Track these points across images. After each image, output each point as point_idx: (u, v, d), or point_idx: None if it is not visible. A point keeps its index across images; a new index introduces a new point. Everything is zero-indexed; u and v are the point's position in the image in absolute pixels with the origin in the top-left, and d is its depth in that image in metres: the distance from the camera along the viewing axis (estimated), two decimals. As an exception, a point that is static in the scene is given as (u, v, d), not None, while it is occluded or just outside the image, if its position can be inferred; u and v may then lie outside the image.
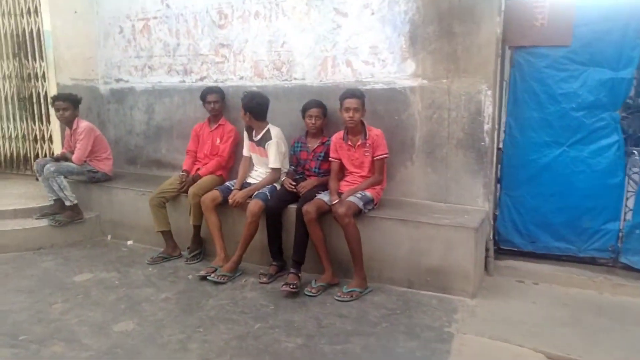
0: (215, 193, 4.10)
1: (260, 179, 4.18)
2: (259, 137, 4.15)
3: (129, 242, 4.78)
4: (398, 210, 3.86)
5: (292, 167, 4.33)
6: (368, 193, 3.80)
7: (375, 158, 3.83)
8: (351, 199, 3.67)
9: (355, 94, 3.74)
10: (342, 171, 4.02)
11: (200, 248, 4.34)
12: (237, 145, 4.64)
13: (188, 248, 4.35)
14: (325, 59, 4.31)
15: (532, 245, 4.07)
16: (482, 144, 3.84)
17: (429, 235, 3.57)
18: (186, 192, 4.33)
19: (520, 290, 3.69)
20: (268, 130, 4.14)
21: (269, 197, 3.99)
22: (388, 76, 4.09)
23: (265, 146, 4.09)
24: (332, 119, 4.25)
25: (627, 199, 3.76)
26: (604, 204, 3.79)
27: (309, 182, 4.07)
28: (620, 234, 3.78)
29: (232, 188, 4.17)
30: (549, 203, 3.93)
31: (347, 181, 3.95)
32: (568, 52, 3.69)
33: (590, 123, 3.73)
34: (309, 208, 3.67)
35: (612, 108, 3.68)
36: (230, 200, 4.03)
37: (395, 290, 3.67)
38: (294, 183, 4.05)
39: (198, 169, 4.55)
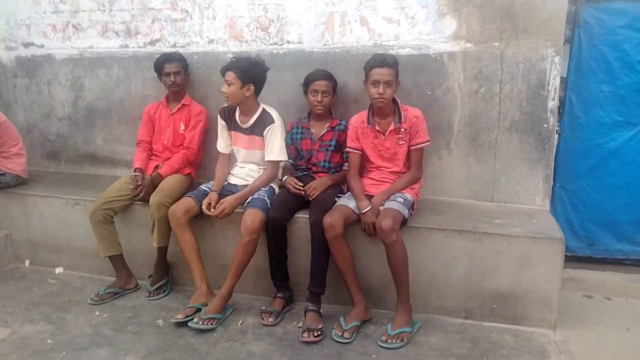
0: (189, 202, 2.91)
1: (251, 179, 3.04)
2: (250, 122, 3.00)
3: (58, 270, 3.44)
4: (440, 215, 2.93)
5: (291, 161, 3.23)
6: (408, 195, 2.82)
7: (412, 147, 2.85)
8: (391, 205, 2.67)
9: (386, 61, 2.71)
10: (362, 166, 3.00)
11: (166, 276, 3.13)
12: (207, 132, 3.45)
13: (150, 277, 3.12)
14: (331, 16, 3.22)
15: (590, 248, 3.36)
16: (545, 125, 2.99)
17: (497, 250, 2.67)
18: (143, 200, 3.09)
19: (599, 310, 2.93)
20: (264, 112, 3.01)
21: (269, 205, 2.88)
22: (419, 38, 3.10)
23: (265, 133, 2.96)
24: (340, 98, 3.20)
25: None
26: (680, 197, 3.13)
27: (321, 182, 3.01)
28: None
29: (209, 192, 2.99)
30: (614, 198, 3.23)
31: (373, 179, 2.94)
32: (652, 7, 2.92)
33: (672, 99, 3.01)
34: (333, 220, 2.62)
35: (697, 80, 2.98)
36: (214, 212, 2.86)
37: (451, 324, 2.75)
38: (301, 184, 2.97)
39: (157, 167, 3.30)
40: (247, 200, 2.90)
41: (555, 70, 2.92)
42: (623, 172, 3.15)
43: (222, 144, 3.15)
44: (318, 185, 2.98)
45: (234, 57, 2.91)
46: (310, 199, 2.93)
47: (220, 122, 3.11)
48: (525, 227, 2.74)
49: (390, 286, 2.81)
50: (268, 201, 2.88)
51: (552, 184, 3.08)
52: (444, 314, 2.81)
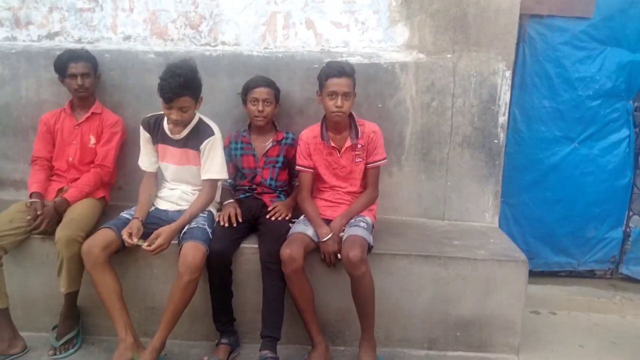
0: (108, 235, 2.35)
1: (184, 204, 2.57)
2: (183, 133, 2.52)
3: None
4: (398, 237, 2.73)
5: (230, 181, 2.81)
6: (367, 218, 2.57)
7: (369, 165, 2.61)
8: (355, 231, 2.40)
9: (344, 70, 2.45)
10: (313, 186, 2.70)
11: (77, 326, 2.53)
12: (123, 146, 2.90)
13: (54, 329, 2.51)
14: (273, 16, 2.86)
15: (530, 262, 3.36)
16: (495, 141, 2.93)
17: (462, 275, 2.53)
18: (44, 233, 2.47)
19: (549, 327, 2.94)
20: (201, 122, 2.55)
21: (210, 235, 2.44)
22: (369, 46, 2.87)
23: (202, 147, 2.50)
24: (283, 108, 2.86)
25: (632, 201, 3.29)
26: (610, 209, 3.30)
27: (284, 205, 2.66)
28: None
29: (131, 219, 2.47)
30: (553, 211, 3.28)
31: (328, 200, 2.65)
32: (588, 26, 2.99)
33: (604, 114, 3.14)
34: (293, 252, 2.28)
35: (626, 97, 3.13)
36: (148, 246, 2.33)
37: (415, 357, 2.56)
38: (240, 219, 2.58)
39: (60, 190, 2.68)
40: (184, 230, 2.44)
41: (506, 85, 2.87)
42: (561, 186, 3.21)
43: (147, 161, 2.63)
44: (282, 208, 2.62)
45: (175, 70, 2.32)
46: (274, 218, 2.57)
47: (144, 135, 2.59)
48: (487, 248, 2.63)
49: (349, 320, 2.55)
50: (209, 230, 2.45)
51: (500, 200, 3.04)
52: (407, 346, 2.60)
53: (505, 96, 2.87)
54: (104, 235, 2.35)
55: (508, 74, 2.85)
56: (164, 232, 2.35)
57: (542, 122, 3.13)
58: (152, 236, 2.34)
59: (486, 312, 2.56)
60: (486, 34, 2.81)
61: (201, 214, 2.52)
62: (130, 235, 2.34)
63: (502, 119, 2.90)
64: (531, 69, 3.05)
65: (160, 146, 2.58)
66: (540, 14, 2.97)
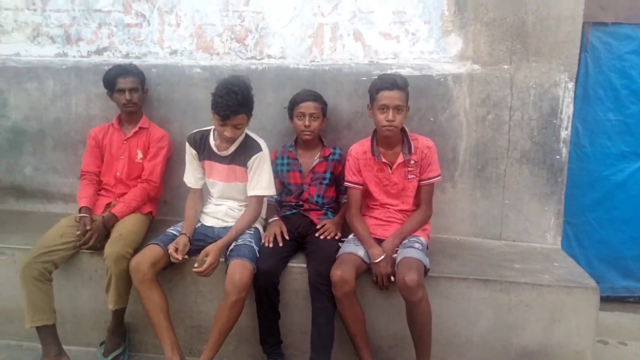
0: (156, 251, 2.31)
1: (231, 220, 2.51)
2: (231, 149, 2.47)
3: (-27, 339, 2.68)
4: (454, 259, 2.57)
5: (276, 197, 2.74)
6: (422, 238, 2.43)
7: (423, 182, 2.48)
8: (410, 252, 2.26)
9: (396, 83, 2.33)
10: (362, 203, 2.59)
11: (124, 343, 2.49)
12: (169, 161, 2.87)
13: (102, 345, 2.48)
14: (320, 28, 2.79)
15: (594, 286, 3.15)
16: (557, 157, 2.75)
17: (525, 302, 2.35)
18: (93, 248, 2.45)
19: (618, 359, 2.69)
20: (248, 138, 2.49)
21: (257, 252, 2.36)
22: (420, 57, 2.76)
23: (250, 163, 2.44)
24: (330, 122, 2.77)
25: None
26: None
27: (334, 223, 2.56)
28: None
29: (179, 235, 2.43)
30: (620, 232, 3.05)
31: (378, 219, 2.53)
32: (659, 33, 2.78)
33: (679, 129, 2.89)
34: (345, 273, 2.17)
35: (702, 109, 2.88)
36: (198, 267, 2.27)
37: (473, 387, 2.38)
38: (287, 237, 2.49)
39: (108, 205, 2.67)
40: (230, 247, 2.37)
41: (568, 97, 2.68)
42: (630, 205, 2.99)
43: (192, 177, 2.58)
44: (331, 226, 2.52)
45: (231, 87, 2.26)
46: (323, 237, 2.47)
47: (190, 152, 2.54)
48: (552, 272, 2.44)
49: (402, 345, 2.41)
50: (256, 248, 2.37)
51: (563, 219, 2.84)
52: (464, 375, 2.44)
53: (567, 109, 2.69)
54: (152, 251, 2.31)
55: (571, 85, 2.67)
56: (212, 250, 2.29)
57: (607, 137, 2.93)
58: (201, 255, 2.28)
59: (552, 342, 2.36)
60: (547, 43, 2.65)
61: (247, 231, 2.45)
62: (176, 250, 2.30)
63: (565, 133, 2.72)
64: (594, 79, 2.87)
65: (207, 162, 2.53)
66: (604, 21, 2.78)
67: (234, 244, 2.37)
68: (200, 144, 2.52)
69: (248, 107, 2.34)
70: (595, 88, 2.88)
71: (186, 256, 2.31)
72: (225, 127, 2.30)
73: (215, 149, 2.49)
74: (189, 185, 2.59)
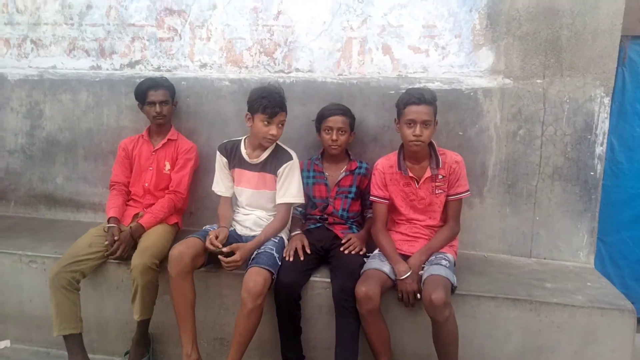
0: (198, 244, 2.32)
1: (260, 230, 2.50)
2: (262, 157, 2.49)
3: (4, 344, 2.73)
4: (481, 276, 2.51)
5: (300, 210, 2.73)
6: (449, 255, 2.38)
7: (451, 198, 2.43)
8: (436, 270, 2.22)
9: (424, 97, 2.30)
10: (388, 218, 2.55)
11: (147, 354, 2.51)
12: (196, 173, 2.90)
13: (126, 354, 2.50)
14: (348, 42, 2.79)
15: (630, 308, 3.02)
16: (592, 173, 2.66)
17: (557, 323, 2.26)
18: (120, 258, 2.49)
19: (657, 385, 2.57)
20: (279, 147, 2.52)
21: (278, 261, 2.35)
22: (450, 71, 2.72)
23: (280, 171, 2.46)
24: (357, 136, 2.75)
25: None
26: None
27: (359, 238, 2.54)
28: None
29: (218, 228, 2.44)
30: (657, 252, 2.91)
31: (405, 234, 2.48)
32: (700, 47, 2.68)
33: None
34: (370, 290, 2.13)
35: None
36: (225, 256, 2.28)
37: (502, 411, 2.30)
38: (308, 251, 2.47)
39: (136, 215, 2.71)
40: (252, 255, 2.36)
41: (604, 112, 2.60)
42: (668, 225, 2.86)
43: (223, 185, 2.59)
44: (356, 241, 2.50)
45: (271, 89, 2.39)
46: (347, 252, 2.45)
47: (222, 160, 2.56)
48: (585, 293, 2.35)
49: (427, 364, 2.35)
50: (277, 256, 2.35)
51: (596, 237, 2.74)
52: (492, 398, 2.36)
53: (603, 124, 2.61)
54: (195, 243, 2.32)
55: (607, 100, 2.59)
56: (241, 248, 2.31)
57: (645, 153, 2.82)
58: (232, 246, 2.29)
59: (585, 367, 2.27)
60: (582, 57, 2.58)
61: (272, 239, 2.44)
62: (216, 238, 2.31)
63: (600, 150, 2.63)
64: (632, 94, 2.78)
65: (237, 170, 2.55)
66: (643, 34, 2.70)
67: (255, 252, 2.37)
68: (231, 152, 2.55)
69: (286, 107, 2.43)
70: (632, 103, 2.79)
71: (224, 248, 2.29)
72: (272, 125, 2.37)
73: (246, 157, 2.51)
74: (219, 193, 2.60)
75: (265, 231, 2.44)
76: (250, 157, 2.50)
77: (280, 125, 2.40)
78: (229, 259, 2.27)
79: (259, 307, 2.21)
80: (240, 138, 2.55)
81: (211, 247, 2.29)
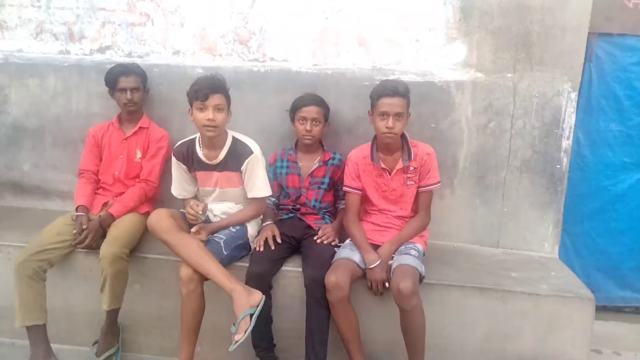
0: (169, 211, 2.33)
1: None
2: (220, 156, 2.43)
3: (-33, 335, 2.67)
4: (449, 266, 2.56)
5: (273, 200, 2.73)
6: (418, 245, 2.42)
7: (422, 189, 2.47)
8: (405, 260, 2.26)
9: (397, 89, 2.32)
10: (360, 208, 2.58)
11: (117, 343, 2.48)
12: (167, 161, 2.86)
13: (95, 344, 2.47)
14: (323, 32, 2.79)
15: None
16: (558, 166, 2.74)
17: (522, 311, 2.34)
18: (89, 247, 2.45)
19: (614, 370, 2.69)
20: (236, 142, 2.45)
21: (224, 250, 2.32)
22: (423, 64, 2.75)
23: (243, 168, 2.42)
24: (331, 127, 2.76)
25: None
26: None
27: (331, 228, 2.55)
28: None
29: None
30: (618, 243, 3.04)
31: (376, 224, 2.52)
32: (664, 45, 2.77)
33: (679, 140, 2.88)
34: (339, 279, 2.16)
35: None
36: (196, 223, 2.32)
37: (467, 396, 2.37)
38: (279, 241, 2.48)
39: (105, 204, 2.66)
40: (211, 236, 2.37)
41: (571, 107, 2.67)
42: (629, 217, 2.98)
43: (183, 190, 2.57)
44: (328, 231, 2.51)
45: (205, 76, 2.34)
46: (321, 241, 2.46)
47: (180, 167, 2.50)
48: (549, 282, 2.43)
49: (395, 351, 2.40)
50: (222, 246, 2.33)
51: (561, 228, 2.83)
52: (458, 383, 2.42)
53: (570, 119, 2.68)
54: (166, 211, 2.31)
55: (574, 95, 2.66)
56: (204, 228, 2.31)
57: (609, 147, 2.92)
58: (195, 228, 2.28)
59: (547, 352, 2.35)
60: (551, 53, 2.64)
61: (231, 228, 2.44)
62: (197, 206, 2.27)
63: (566, 143, 2.71)
64: (598, 90, 2.86)
65: (199, 173, 2.50)
66: (610, 32, 2.77)
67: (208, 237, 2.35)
68: (188, 156, 2.48)
69: (225, 90, 2.33)
70: (598, 98, 2.87)
71: (203, 216, 2.28)
72: (206, 110, 2.26)
73: (204, 159, 2.45)
74: (180, 197, 2.56)
75: (230, 216, 2.44)
76: (209, 159, 2.44)
77: (217, 110, 2.27)
78: (196, 228, 2.28)
79: (194, 292, 2.17)
80: (193, 137, 2.48)
81: (193, 216, 2.26)
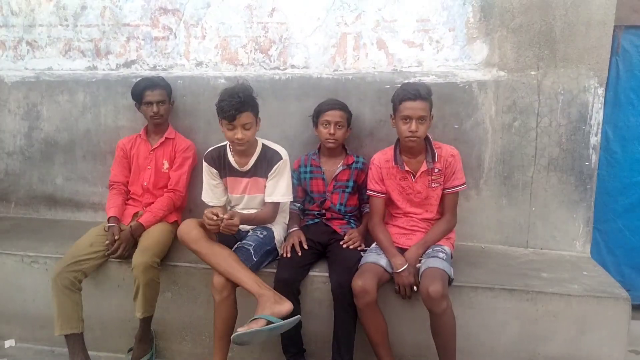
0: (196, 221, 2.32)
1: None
2: (250, 162, 2.48)
3: (9, 344, 2.76)
4: (478, 267, 2.54)
5: (298, 206, 2.76)
6: (446, 247, 2.41)
7: (447, 191, 2.46)
8: (433, 262, 2.24)
9: (420, 93, 2.31)
10: (385, 212, 2.58)
11: (150, 350, 2.55)
12: (194, 170, 2.91)
13: (129, 351, 2.54)
14: (343, 37, 2.80)
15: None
16: (587, 163, 2.68)
17: (553, 312, 2.30)
18: (121, 257, 2.51)
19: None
20: (266, 148, 2.49)
21: (253, 256, 2.35)
22: (444, 64, 2.73)
23: (271, 173, 2.45)
24: (352, 131, 2.77)
25: None
26: None
27: (357, 233, 2.56)
28: None
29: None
30: (653, 239, 2.93)
31: (402, 228, 2.51)
32: (694, 35, 2.69)
33: None
34: (366, 284, 2.16)
35: None
36: (228, 225, 2.21)
37: (501, 400, 2.34)
38: (305, 246, 2.49)
39: (136, 214, 2.74)
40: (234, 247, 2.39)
41: (598, 103, 2.62)
42: (662, 212, 2.89)
43: (214, 196, 2.57)
44: (354, 236, 2.52)
45: (232, 90, 2.30)
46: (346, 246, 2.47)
47: (210, 171, 2.53)
48: (581, 282, 2.38)
49: (426, 355, 2.39)
50: (252, 252, 2.36)
51: (592, 227, 2.77)
52: (490, 387, 2.40)
53: (597, 115, 2.62)
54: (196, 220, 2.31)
55: (601, 90, 2.60)
56: (238, 214, 2.27)
57: (639, 142, 2.83)
58: (229, 214, 2.24)
59: (580, 354, 2.30)
60: (575, 48, 2.59)
61: (258, 233, 2.47)
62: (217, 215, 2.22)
63: (594, 140, 2.65)
64: (626, 84, 2.79)
65: (229, 179, 2.54)
66: (637, 24, 2.70)
67: (237, 244, 2.40)
68: (219, 161, 2.52)
69: (252, 105, 2.32)
70: (627, 92, 2.80)
71: (223, 216, 2.22)
72: (235, 129, 2.29)
73: (235, 165, 2.49)
74: (210, 203, 2.55)
75: (255, 214, 2.45)
76: (240, 165, 2.48)
77: (246, 127, 2.30)
78: (227, 222, 2.20)
79: (226, 299, 2.21)
80: (224, 144, 2.52)
81: (208, 221, 2.20)
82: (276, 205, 2.52)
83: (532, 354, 2.34)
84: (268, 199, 2.48)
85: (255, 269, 2.32)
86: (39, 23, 3.09)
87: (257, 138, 2.49)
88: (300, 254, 2.44)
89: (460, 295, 2.33)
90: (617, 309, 2.26)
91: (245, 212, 2.54)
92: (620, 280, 2.95)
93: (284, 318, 2.06)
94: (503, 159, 2.75)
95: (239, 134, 2.29)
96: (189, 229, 2.26)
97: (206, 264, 2.28)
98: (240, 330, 2.01)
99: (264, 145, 2.50)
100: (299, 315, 2.12)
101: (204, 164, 2.54)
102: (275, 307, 2.09)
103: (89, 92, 3.09)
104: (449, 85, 2.73)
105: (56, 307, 2.37)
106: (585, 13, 2.55)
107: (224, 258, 2.21)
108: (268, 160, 2.46)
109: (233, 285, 2.21)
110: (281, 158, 2.45)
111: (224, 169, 2.52)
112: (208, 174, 2.55)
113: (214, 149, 2.55)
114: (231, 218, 2.20)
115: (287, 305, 2.10)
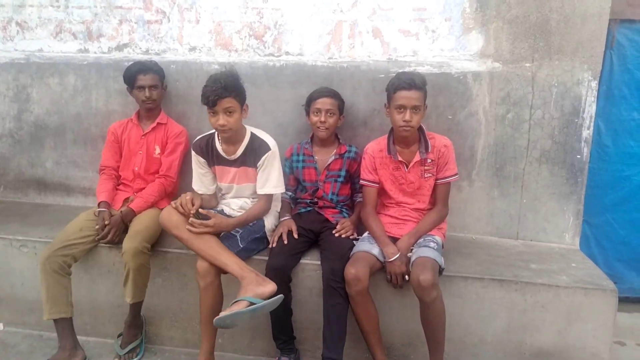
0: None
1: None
2: (239, 151, 2.45)
3: (-2, 327, 2.76)
4: (468, 258, 2.55)
5: (290, 194, 2.75)
6: (437, 237, 2.42)
7: (439, 181, 2.46)
8: (424, 252, 2.25)
9: (414, 82, 2.30)
10: (377, 201, 2.58)
11: (140, 335, 2.55)
12: (186, 156, 2.89)
13: (119, 336, 2.53)
14: (338, 25, 2.78)
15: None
16: (578, 156, 2.70)
17: (541, 303, 2.32)
18: (111, 242, 2.50)
19: (637, 361, 2.66)
20: (254, 138, 2.46)
21: (240, 244, 2.35)
22: (440, 54, 2.73)
23: (260, 163, 2.43)
24: (346, 120, 2.76)
25: None
26: None
27: (349, 222, 2.56)
28: None
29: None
30: (642, 233, 2.97)
31: (394, 217, 2.52)
32: (688, 31, 2.70)
33: None
34: (359, 272, 2.17)
35: None
36: (199, 224, 2.25)
37: (487, 388, 2.37)
38: (296, 236, 2.49)
39: (126, 199, 2.71)
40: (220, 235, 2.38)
41: (591, 96, 2.63)
42: (652, 207, 2.92)
43: (203, 185, 2.56)
44: (347, 225, 2.52)
45: (216, 76, 2.29)
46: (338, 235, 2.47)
47: (199, 160, 2.51)
48: (569, 273, 2.41)
49: (415, 344, 2.42)
50: (239, 239, 2.36)
51: (582, 219, 2.79)
52: (478, 376, 2.43)
53: (590, 108, 2.64)
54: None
55: (594, 84, 2.61)
56: (220, 219, 2.29)
57: (631, 136, 2.87)
58: (209, 213, 2.27)
59: (567, 344, 2.34)
60: (570, 41, 2.59)
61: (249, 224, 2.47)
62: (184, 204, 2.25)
63: (587, 133, 2.66)
64: (619, 78, 2.80)
65: (217, 168, 2.52)
66: (632, 18, 2.71)
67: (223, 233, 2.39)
68: (207, 150, 2.50)
69: (235, 91, 2.28)
70: (620, 87, 2.81)
71: (193, 211, 2.26)
72: (217, 115, 2.27)
73: (223, 154, 2.47)
74: (200, 192, 2.54)
75: (248, 212, 2.44)
76: (227, 154, 2.45)
77: (228, 113, 2.26)
78: (201, 221, 2.23)
79: (211, 285, 2.21)
80: (212, 132, 2.49)
81: (179, 206, 2.24)
82: (269, 197, 2.51)
83: (520, 343, 2.37)
84: (260, 191, 2.46)
85: (243, 256, 2.31)
86: (29, 3, 3.03)
87: (246, 126, 2.47)
88: (286, 242, 2.43)
89: (451, 285, 2.35)
90: (604, 300, 2.29)
91: (236, 201, 2.54)
92: (608, 273, 2.98)
93: (267, 299, 2.06)
94: (496, 151, 2.76)
95: (221, 119, 2.26)
96: (169, 214, 2.26)
97: (189, 249, 2.27)
98: (222, 313, 2.01)
99: (252, 134, 2.47)
100: (281, 295, 2.12)
101: (192, 152, 2.53)
102: (257, 288, 2.10)
103: (80, 75, 3.04)
104: (444, 75, 2.72)
105: (45, 291, 2.34)
106: (581, 6, 2.55)
107: (205, 242, 2.21)
108: (256, 150, 2.43)
109: (217, 270, 2.21)
110: (269, 149, 2.42)
111: (212, 158, 2.50)
112: (196, 162, 2.53)
113: (202, 137, 2.52)
114: (207, 218, 2.23)
115: (269, 287, 2.11)
